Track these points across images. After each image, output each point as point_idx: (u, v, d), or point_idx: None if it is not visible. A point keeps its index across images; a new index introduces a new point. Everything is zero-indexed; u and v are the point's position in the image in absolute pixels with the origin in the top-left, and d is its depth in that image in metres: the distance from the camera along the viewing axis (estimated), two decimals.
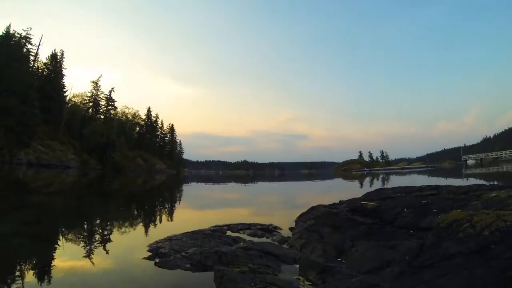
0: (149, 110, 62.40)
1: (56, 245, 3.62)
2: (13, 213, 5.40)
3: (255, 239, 3.99)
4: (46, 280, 2.44)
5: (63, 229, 4.61)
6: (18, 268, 2.74)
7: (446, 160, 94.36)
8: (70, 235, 4.21)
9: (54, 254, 3.21)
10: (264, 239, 4.07)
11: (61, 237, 4.09)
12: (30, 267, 2.78)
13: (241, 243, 3.58)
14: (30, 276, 2.53)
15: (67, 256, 3.08)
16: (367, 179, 23.79)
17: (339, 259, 2.91)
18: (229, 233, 4.32)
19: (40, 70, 38.17)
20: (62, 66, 40.23)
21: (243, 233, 4.38)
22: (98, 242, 3.82)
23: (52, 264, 2.85)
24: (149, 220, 5.71)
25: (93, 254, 3.23)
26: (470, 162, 54.25)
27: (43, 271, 2.67)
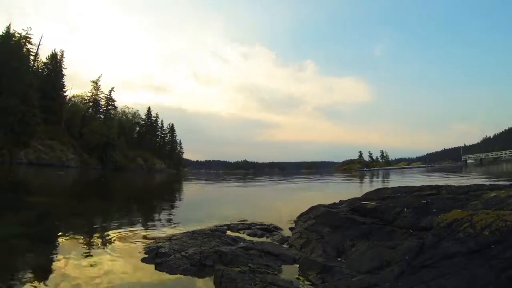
0: (149, 110, 62.44)
1: (56, 246, 3.62)
2: (13, 214, 5.40)
3: (255, 239, 4.00)
4: (46, 281, 2.45)
5: (63, 230, 4.60)
6: (18, 269, 2.74)
7: (446, 160, 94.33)
8: (70, 236, 4.19)
9: (54, 255, 3.20)
10: (264, 239, 4.07)
11: (61, 238, 4.09)
12: (30, 268, 2.78)
13: (241, 243, 3.59)
14: (29, 277, 2.53)
15: (67, 256, 3.07)
16: (367, 179, 23.80)
17: (339, 259, 2.92)
18: (229, 233, 4.32)
19: (40, 70, 38.15)
20: (62, 66, 40.22)
21: (243, 233, 4.38)
22: (98, 242, 3.82)
23: (52, 265, 2.85)
24: (149, 220, 5.70)
25: (92, 254, 3.23)
26: (470, 162, 54.26)
27: (43, 272, 2.67)
